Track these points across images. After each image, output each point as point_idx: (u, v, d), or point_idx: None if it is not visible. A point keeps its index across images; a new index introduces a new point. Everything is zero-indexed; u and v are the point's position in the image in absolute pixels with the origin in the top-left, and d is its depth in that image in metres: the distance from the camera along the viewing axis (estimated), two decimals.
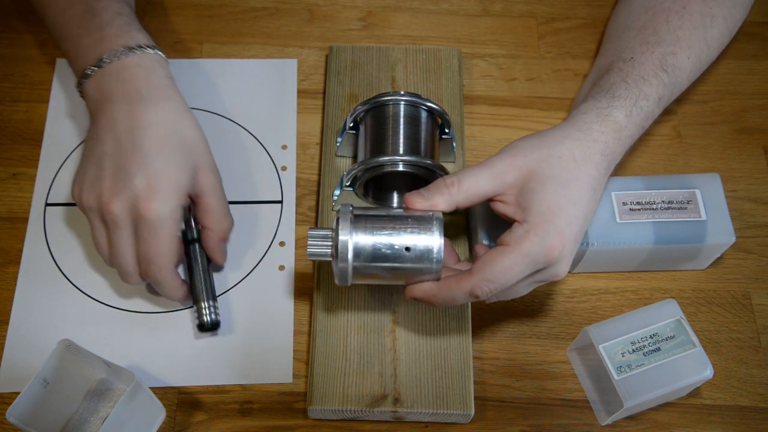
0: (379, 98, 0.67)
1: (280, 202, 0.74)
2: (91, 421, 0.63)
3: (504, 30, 0.85)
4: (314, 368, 0.64)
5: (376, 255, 0.55)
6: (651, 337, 0.62)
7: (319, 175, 0.75)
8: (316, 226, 0.72)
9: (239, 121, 0.77)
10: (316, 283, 0.67)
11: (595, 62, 0.74)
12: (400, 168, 0.64)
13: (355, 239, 0.55)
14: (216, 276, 0.70)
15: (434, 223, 0.56)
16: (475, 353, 0.67)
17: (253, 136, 0.77)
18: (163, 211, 0.60)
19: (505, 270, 0.54)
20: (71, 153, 0.75)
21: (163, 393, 0.65)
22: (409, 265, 0.56)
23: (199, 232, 0.67)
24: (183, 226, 0.65)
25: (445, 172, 0.65)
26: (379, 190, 0.71)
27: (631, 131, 0.61)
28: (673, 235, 0.66)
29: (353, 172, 0.66)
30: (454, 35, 0.84)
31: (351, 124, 0.70)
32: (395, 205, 0.71)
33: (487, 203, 0.59)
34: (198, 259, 0.66)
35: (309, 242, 0.56)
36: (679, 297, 0.71)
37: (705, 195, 0.68)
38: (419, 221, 0.56)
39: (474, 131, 0.78)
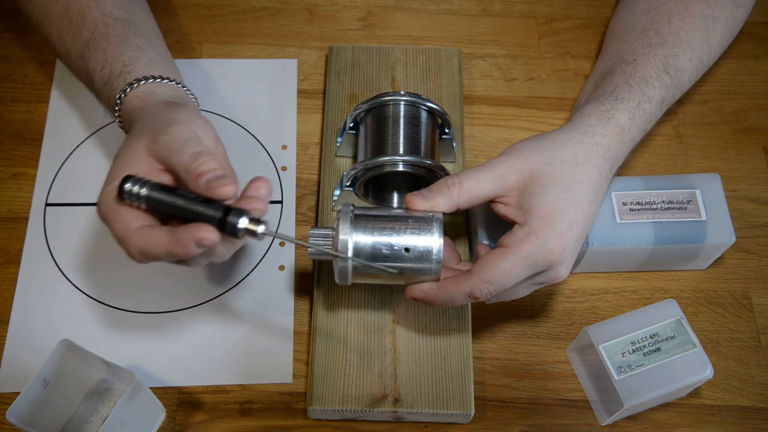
0: (379, 98, 0.67)
1: (280, 202, 0.74)
2: (91, 421, 0.63)
3: (504, 30, 0.85)
4: (314, 368, 0.64)
5: (375, 255, 0.56)
6: (651, 337, 0.62)
7: (319, 175, 0.75)
8: (316, 226, 0.72)
9: (239, 121, 0.77)
10: (316, 283, 0.67)
11: (596, 64, 0.74)
12: (400, 168, 0.64)
13: (356, 239, 0.55)
14: (216, 276, 0.70)
15: (434, 223, 0.56)
16: (475, 353, 0.67)
17: (253, 136, 0.77)
18: (101, 200, 0.53)
19: (504, 272, 0.54)
20: (71, 153, 0.75)
21: (163, 393, 0.65)
22: (408, 265, 0.56)
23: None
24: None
25: (446, 173, 0.65)
26: (379, 190, 0.71)
27: (633, 133, 0.61)
28: (673, 235, 0.66)
29: (353, 172, 0.66)
30: (454, 35, 0.84)
31: (351, 124, 0.70)
32: (395, 205, 0.71)
33: (488, 204, 0.59)
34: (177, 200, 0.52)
35: (310, 241, 0.57)
36: (679, 297, 0.71)
37: (705, 195, 0.68)
38: (419, 222, 0.56)
39: (474, 131, 0.78)
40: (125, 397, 0.56)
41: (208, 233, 0.49)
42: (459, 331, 0.65)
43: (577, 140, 0.58)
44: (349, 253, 0.55)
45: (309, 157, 0.76)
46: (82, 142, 0.76)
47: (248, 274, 0.70)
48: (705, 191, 0.68)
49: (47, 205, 0.73)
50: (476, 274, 0.55)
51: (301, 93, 0.80)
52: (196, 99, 0.65)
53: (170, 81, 0.62)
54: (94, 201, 0.73)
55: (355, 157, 0.72)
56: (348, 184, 0.67)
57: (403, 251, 0.56)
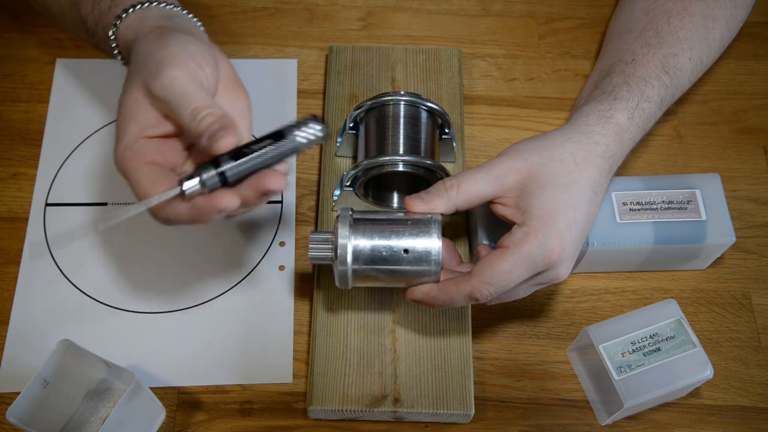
0: (379, 98, 0.67)
1: (280, 202, 0.74)
2: (91, 421, 0.63)
3: (504, 30, 0.85)
4: (314, 368, 0.64)
5: (375, 257, 0.56)
6: (651, 337, 0.62)
7: (319, 175, 0.75)
8: (316, 226, 0.72)
9: None
10: (316, 283, 0.67)
11: (596, 64, 0.74)
12: (400, 168, 0.65)
13: (355, 242, 0.56)
14: (216, 276, 0.70)
15: (433, 225, 0.56)
16: (475, 353, 0.67)
17: (253, 136, 0.76)
18: (117, 161, 0.52)
19: (504, 273, 0.54)
20: (71, 153, 0.75)
21: (163, 393, 0.65)
22: (408, 267, 0.56)
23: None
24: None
25: (446, 173, 0.65)
26: (379, 190, 0.70)
27: (632, 133, 0.61)
28: (673, 235, 0.66)
29: (353, 172, 0.66)
30: (454, 35, 0.84)
31: (351, 124, 0.70)
32: (395, 205, 0.71)
33: (488, 204, 0.59)
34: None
35: (310, 246, 0.57)
36: (679, 297, 0.71)
37: (705, 195, 0.68)
38: (418, 224, 0.56)
39: (474, 131, 0.78)
40: (125, 397, 0.56)
41: (228, 201, 0.49)
42: (459, 331, 0.65)
43: (576, 140, 0.58)
44: (349, 257, 0.55)
45: (309, 157, 0.76)
46: (82, 142, 0.76)
47: (248, 274, 0.70)
48: (705, 191, 0.68)
49: (47, 205, 0.73)
50: (476, 275, 0.55)
51: (301, 93, 0.80)
52: (195, 17, 0.59)
53: (159, 4, 0.58)
54: (94, 201, 0.73)
55: (355, 157, 0.72)
56: (348, 184, 0.67)
57: (403, 253, 0.56)
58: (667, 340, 0.62)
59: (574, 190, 0.56)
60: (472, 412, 0.63)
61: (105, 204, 0.72)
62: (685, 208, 0.67)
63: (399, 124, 0.67)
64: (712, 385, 0.67)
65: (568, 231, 0.55)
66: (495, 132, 0.78)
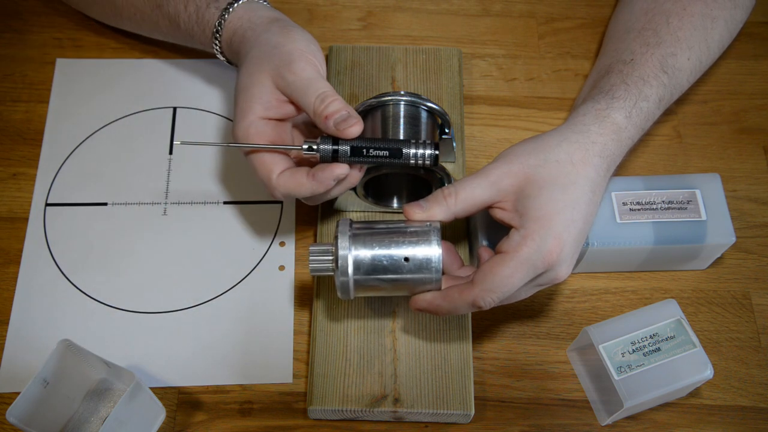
0: (379, 98, 0.67)
1: (281, 202, 0.74)
2: (91, 421, 0.63)
3: (504, 30, 0.85)
4: (314, 368, 0.64)
5: (375, 267, 0.56)
6: (651, 337, 0.62)
7: None
8: (316, 226, 0.72)
9: None
10: (316, 283, 0.67)
11: (595, 64, 0.74)
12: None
13: (355, 253, 0.56)
14: (216, 276, 0.70)
15: (432, 233, 0.56)
16: (475, 353, 0.67)
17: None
18: (240, 139, 0.59)
19: (505, 279, 0.54)
20: (71, 153, 0.75)
21: (163, 393, 0.65)
22: (408, 275, 0.56)
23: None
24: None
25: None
26: (379, 191, 0.70)
27: (630, 132, 0.60)
28: (673, 235, 0.66)
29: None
30: (454, 35, 0.84)
31: None
32: (395, 206, 0.71)
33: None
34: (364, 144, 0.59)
35: (310, 258, 0.58)
36: (679, 297, 0.71)
37: (705, 195, 0.68)
38: (417, 232, 0.57)
39: (474, 131, 0.78)
40: (125, 397, 0.56)
41: (342, 169, 0.57)
42: (459, 331, 0.65)
43: (572, 140, 0.58)
44: (350, 268, 0.56)
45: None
46: (82, 142, 0.76)
47: (248, 274, 0.70)
48: (705, 191, 0.68)
49: (47, 205, 0.73)
50: (478, 283, 0.55)
51: None
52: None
53: None
54: (94, 201, 0.73)
55: None
56: None
57: (403, 261, 0.56)
58: (667, 340, 0.62)
59: (572, 191, 0.56)
60: (472, 412, 0.63)
61: (105, 204, 0.73)
62: (685, 208, 0.67)
63: (399, 124, 0.67)
64: (712, 385, 0.67)
65: (566, 231, 0.55)
66: (495, 132, 0.78)
